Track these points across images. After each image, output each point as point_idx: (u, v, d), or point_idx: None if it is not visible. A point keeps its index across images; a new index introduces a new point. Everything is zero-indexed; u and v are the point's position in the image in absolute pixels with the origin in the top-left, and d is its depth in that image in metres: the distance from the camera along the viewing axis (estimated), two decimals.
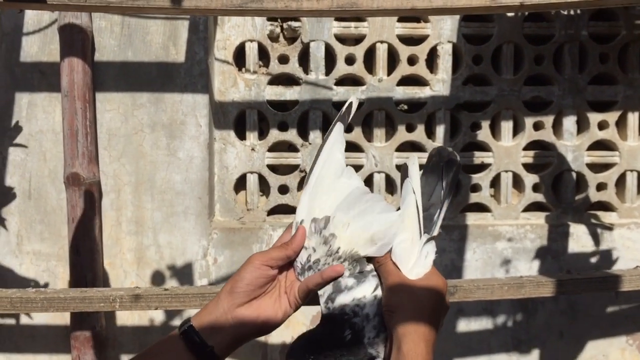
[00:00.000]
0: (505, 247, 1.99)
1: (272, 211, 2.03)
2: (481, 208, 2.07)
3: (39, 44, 1.85)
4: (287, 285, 0.70)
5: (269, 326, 0.70)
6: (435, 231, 0.67)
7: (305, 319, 1.96)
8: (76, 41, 1.76)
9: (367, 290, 0.66)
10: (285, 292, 0.70)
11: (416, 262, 0.65)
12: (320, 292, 0.68)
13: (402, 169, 0.70)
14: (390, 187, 2.02)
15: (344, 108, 0.75)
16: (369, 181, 2.04)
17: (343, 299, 0.66)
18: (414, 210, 0.65)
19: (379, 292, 0.66)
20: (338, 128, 0.73)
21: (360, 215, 0.67)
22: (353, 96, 0.77)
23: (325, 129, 1.98)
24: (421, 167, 0.71)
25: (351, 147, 2.01)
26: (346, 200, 0.69)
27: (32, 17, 1.81)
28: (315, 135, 2.00)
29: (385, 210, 0.68)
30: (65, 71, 1.76)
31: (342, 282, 0.67)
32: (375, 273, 0.67)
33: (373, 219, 0.67)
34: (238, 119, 1.99)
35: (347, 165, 0.73)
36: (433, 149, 0.72)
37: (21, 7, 1.36)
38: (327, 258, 0.68)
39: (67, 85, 1.76)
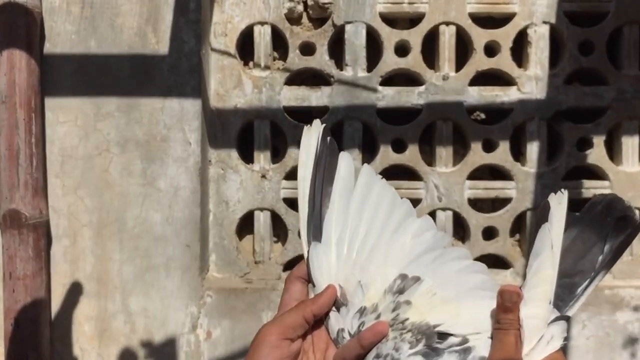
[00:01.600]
0: (630, 320, 1.67)
1: (291, 264, 1.78)
2: None
3: None
4: (318, 357, 0.66)
5: None
6: (573, 310, 0.61)
7: None
8: (19, 27, 1.56)
9: None
10: None
11: (537, 345, 0.59)
12: None
13: (541, 207, 0.63)
14: (461, 229, 1.74)
15: (318, 137, 0.70)
16: None
17: None
18: (551, 273, 0.60)
19: None
20: (346, 159, 0.70)
21: (453, 284, 0.64)
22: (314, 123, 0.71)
23: (367, 145, 1.78)
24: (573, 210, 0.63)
25: (403, 172, 1.75)
26: (427, 256, 0.65)
27: None
28: (352, 156, 1.66)
29: (483, 285, 0.64)
30: (4, 68, 1.56)
31: None
32: (454, 349, 0.61)
33: (469, 296, 0.63)
34: (243, 133, 1.78)
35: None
36: (598, 195, 0.64)
37: None
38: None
39: (6, 88, 1.56)
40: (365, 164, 0.71)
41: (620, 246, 0.62)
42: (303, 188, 0.68)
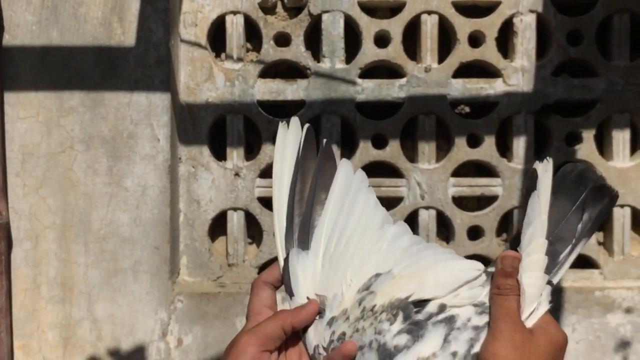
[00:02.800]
0: (622, 323, 1.67)
1: (266, 267, 1.62)
2: (585, 262, 1.78)
3: None
4: None
5: None
6: (557, 277, 0.64)
7: None
8: None
9: (435, 344, 0.62)
10: None
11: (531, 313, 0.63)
12: None
13: (530, 176, 0.66)
14: (445, 229, 1.73)
15: (300, 137, 0.71)
16: (411, 220, 1.74)
17: None
18: (543, 242, 0.63)
19: (454, 347, 0.62)
20: (345, 165, 0.72)
21: (414, 262, 0.67)
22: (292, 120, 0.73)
23: (346, 141, 1.77)
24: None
25: (384, 169, 1.74)
26: (400, 254, 0.68)
27: None
28: None
29: (441, 252, 0.68)
30: None
31: (389, 344, 0.63)
32: (437, 320, 0.63)
33: (428, 264, 0.66)
34: (215, 129, 1.76)
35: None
36: (568, 164, 0.66)
37: None
38: (357, 324, 0.65)
39: None
40: (344, 159, 0.71)
41: (599, 214, 0.65)
42: (279, 189, 0.69)
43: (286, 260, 0.68)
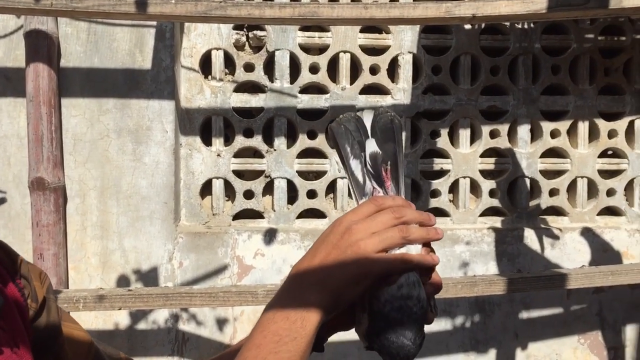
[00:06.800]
0: (464, 250, 2.06)
1: (238, 216, 2.06)
2: (441, 213, 2.13)
3: (4, 49, 1.86)
4: None
5: None
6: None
7: None
8: (42, 47, 1.76)
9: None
10: None
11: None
12: None
13: (344, 123, 0.66)
14: None
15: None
16: (331, 187, 2.07)
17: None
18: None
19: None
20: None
21: None
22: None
23: (290, 134, 2.04)
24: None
25: (315, 153, 2.07)
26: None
27: None
28: (280, 142, 2.03)
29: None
30: (31, 76, 1.77)
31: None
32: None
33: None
34: (204, 125, 2.01)
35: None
36: (377, 113, 0.68)
37: None
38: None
39: (33, 91, 1.77)
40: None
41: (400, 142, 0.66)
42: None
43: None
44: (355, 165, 0.63)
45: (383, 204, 0.58)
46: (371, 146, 0.63)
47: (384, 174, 0.62)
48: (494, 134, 2.14)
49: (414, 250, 0.58)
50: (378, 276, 0.56)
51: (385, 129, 0.64)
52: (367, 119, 0.66)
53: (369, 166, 0.62)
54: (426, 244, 0.59)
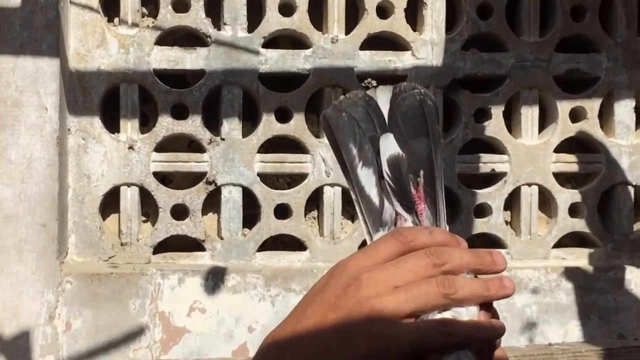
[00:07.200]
0: (528, 303, 1.75)
1: (162, 247, 1.79)
2: (490, 241, 1.83)
3: None
4: None
5: None
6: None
7: None
8: None
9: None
10: None
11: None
12: None
13: (346, 109, 0.53)
14: (350, 207, 1.73)
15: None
16: (315, 197, 1.76)
17: None
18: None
19: None
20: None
21: None
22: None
23: (248, 113, 1.78)
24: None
25: (287, 145, 1.75)
26: None
27: None
28: (231, 126, 1.77)
29: None
30: None
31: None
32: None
33: None
34: (107, 98, 1.75)
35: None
36: (397, 91, 0.54)
37: None
38: None
39: None
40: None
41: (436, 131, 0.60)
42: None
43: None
44: (365, 176, 0.54)
45: (413, 240, 0.49)
46: (390, 145, 0.54)
47: (414, 190, 0.53)
48: (576, 116, 1.84)
49: (466, 315, 0.48)
50: (405, 355, 0.46)
51: (413, 117, 0.55)
52: (383, 100, 0.56)
53: (388, 178, 0.54)
54: (485, 304, 0.47)
